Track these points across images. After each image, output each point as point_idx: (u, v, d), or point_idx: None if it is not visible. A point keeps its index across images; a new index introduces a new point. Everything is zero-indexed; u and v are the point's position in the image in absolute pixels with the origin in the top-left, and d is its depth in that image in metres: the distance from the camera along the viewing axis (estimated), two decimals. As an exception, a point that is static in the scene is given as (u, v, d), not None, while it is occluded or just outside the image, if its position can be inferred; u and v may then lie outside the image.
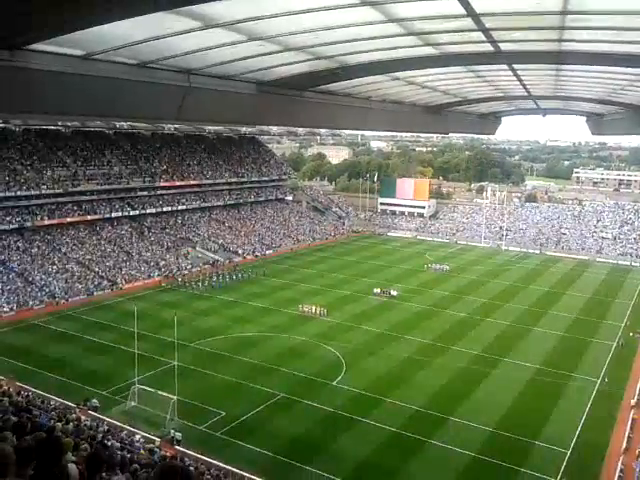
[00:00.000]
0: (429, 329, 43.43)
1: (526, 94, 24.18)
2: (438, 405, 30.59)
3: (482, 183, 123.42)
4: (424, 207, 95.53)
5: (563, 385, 33.80)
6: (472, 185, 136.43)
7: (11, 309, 45.60)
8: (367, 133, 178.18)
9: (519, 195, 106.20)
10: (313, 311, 46.51)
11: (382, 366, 36.01)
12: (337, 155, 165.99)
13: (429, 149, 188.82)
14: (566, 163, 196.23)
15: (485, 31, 12.14)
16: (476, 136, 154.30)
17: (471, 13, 10.69)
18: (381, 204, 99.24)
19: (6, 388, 24.09)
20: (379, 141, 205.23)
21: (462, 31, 12.46)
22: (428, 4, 10.75)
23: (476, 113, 31.08)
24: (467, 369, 35.89)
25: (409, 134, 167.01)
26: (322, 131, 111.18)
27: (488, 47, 13.64)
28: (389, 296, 52.27)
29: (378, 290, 53.44)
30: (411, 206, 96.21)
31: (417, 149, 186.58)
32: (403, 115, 24.33)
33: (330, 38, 11.74)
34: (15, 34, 7.89)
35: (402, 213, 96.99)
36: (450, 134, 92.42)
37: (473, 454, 25.93)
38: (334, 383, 33.48)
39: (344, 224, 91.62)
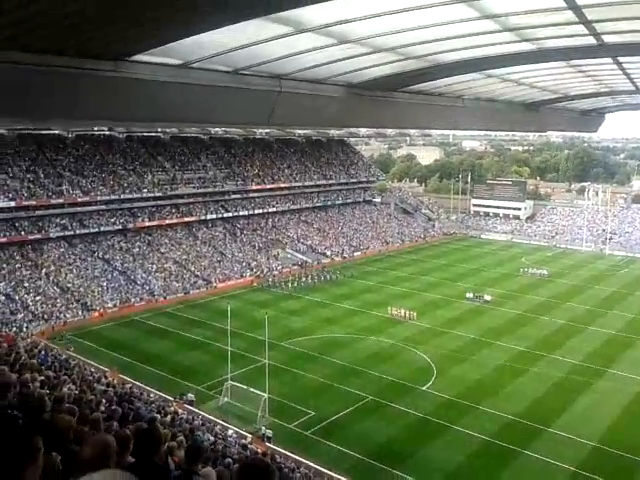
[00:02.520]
0: (525, 336, 41.60)
1: (633, 89, 22.54)
2: (534, 415, 29.23)
3: (583, 183, 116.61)
4: (520, 209, 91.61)
5: (675, 401, 31.24)
6: (572, 185, 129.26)
7: (114, 305, 48.65)
8: (459, 133, 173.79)
9: (625, 196, 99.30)
10: (402, 314, 45.98)
11: (474, 373, 34.95)
12: (427, 156, 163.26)
13: (525, 148, 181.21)
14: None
15: (587, 23, 11.45)
16: (577, 134, 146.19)
17: (572, 5, 10.12)
18: (474, 205, 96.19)
19: (110, 379, 25.73)
20: (472, 140, 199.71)
21: (562, 24, 11.82)
22: (524, -2, 10.31)
23: (577, 110, 29.39)
24: (567, 379, 34.04)
25: (504, 133, 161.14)
26: (412, 132, 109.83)
27: (590, 40, 12.85)
28: (482, 301, 50.64)
29: (471, 294, 51.95)
30: (506, 207, 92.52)
31: (512, 148, 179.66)
32: (497, 113, 23.45)
33: (421, 37, 11.53)
34: (119, 46, 8.38)
35: (496, 215, 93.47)
36: (548, 132, 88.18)
37: (572, 468, 24.56)
38: (424, 388, 32.91)
39: (434, 226, 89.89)
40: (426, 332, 42.56)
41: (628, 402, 31.03)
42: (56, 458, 3.89)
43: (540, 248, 79.18)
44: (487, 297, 51.16)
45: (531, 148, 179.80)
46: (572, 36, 12.66)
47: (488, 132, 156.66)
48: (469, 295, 51.92)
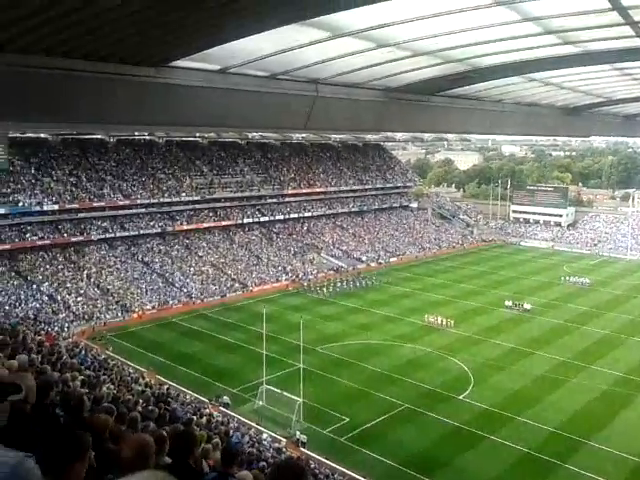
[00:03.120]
0: (566, 346, 40.50)
1: (683, 91, 21.77)
2: (575, 428, 28.39)
3: (628, 190, 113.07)
4: (561, 215, 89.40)
5: None
6: (616, 192, 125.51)
7: (153, 307, 49.53)
8: (498, 137, 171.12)
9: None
10: (439, 322, 45.37)
11: (513, 382, 34.19)
12: (465, 161, 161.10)
13: (567, 153, 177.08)
14: None
15: (633, 24, 11.11)
16: (621, 139, 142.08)
17: (617, 6, 9.83)
18: (513, 212, 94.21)
19: (148, 380, 26.16)
20: (511, 145, 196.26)
21: (607, 26, 11.50)
22: (567, 0, 10.07)
23: (622, 114, 28.57)
24: (610, 391, 32.97)
25: (545, 138, 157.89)
26: (450, 136, 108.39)
27: (637, 42, 12.48)
28: (522, 309, 49.56)
29: (510, 303, 50.89)
30: (547, 214, 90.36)
31: (554, 154, 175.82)
32: (538, 118, 22.97)
33: (461, 41, 11.38)
34: (160, 52, 8.53)
35: (537, 222, 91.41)
36: (591, 137, 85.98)
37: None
38: (461, 397, 32.36)
39: (473, 232, 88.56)
40: (463, 340, 41.87)
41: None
42: (90, 454, 3.95)
43: (582, 256, 77.10)
44: (527, 306, 50.03)
45: (573, 153, 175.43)
46: (617, 38, 12.31)
47: (528, 137, 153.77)
48: (508, 303, 50.88)
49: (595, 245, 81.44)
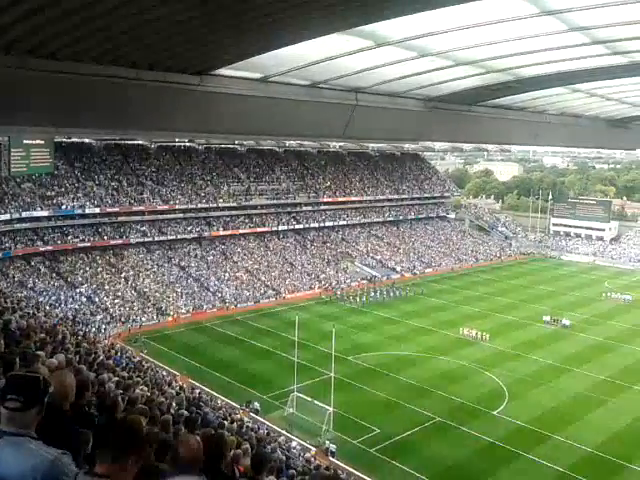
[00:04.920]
0: (606, 364, 39.24)
1: None
2: (615, 449, 27.41)
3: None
4: (604, 229, 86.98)
5: None
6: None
7: (188, 311, 50.14)
8: (539, 149, 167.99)
9: None
10: (474, 335, 44.59)
11: (550, 400, 33.28)
12: (505, 171, 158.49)
13: (611, 166, 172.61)
14: None
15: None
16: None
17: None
18: (554, 225, 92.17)
19: (181, 383, 26.42)
20: (553, 157, 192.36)
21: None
22: (617, 10, 9.79)
23: (671, 126, 27.68)
24: (651, 413, 31.80)
25: (588, 150, 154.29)
26: (490, 147, 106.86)
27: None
28: (561, 325, 48.30)
29: (548, 318, 49.65)
30: (589, 228, 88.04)
31: (597, 166, 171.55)
32: (582, 129, 22.46)
33: (504, 50, 11.22)
34: (205, 61, 8.64)
35: (578, 235, 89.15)
36: (637, 150, 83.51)
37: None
38: (495, 413, 31.67)
39: (511, 245, 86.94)
40: (499, 355, 41.02)
41: None
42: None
43: (625, 272, 74.75)
44: (566, 321, 48.73)
45: (618, 166, 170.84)
46: (669, 48, 11.95)
47: (571, 149, 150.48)
48: (546, 318, 49.66)
49: (639, 261, 78.88)
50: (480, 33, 10.21)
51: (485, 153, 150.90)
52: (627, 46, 12.27)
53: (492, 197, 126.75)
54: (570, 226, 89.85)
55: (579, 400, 33.42)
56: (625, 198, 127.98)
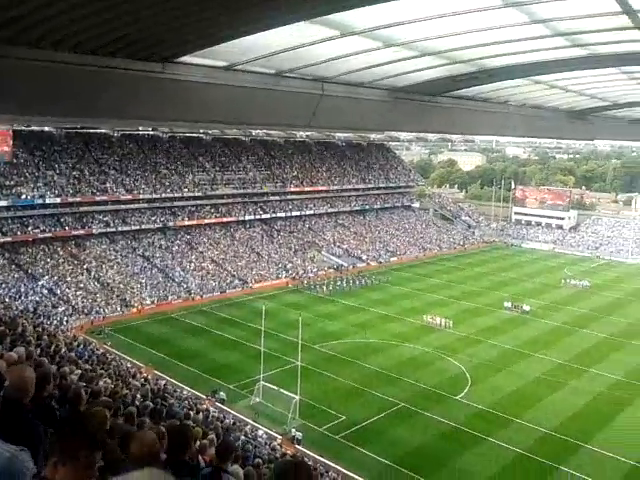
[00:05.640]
0: (564, 349, 40.50)
1: (689, 96, 21.69)
2: (572, 430, 28.42)
3: (631, 194, 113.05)
4: (563, 218, 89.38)
5: None
6: (619, 196, 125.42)
7: (152, 302, 49.51)
8: (502, 139, 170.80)
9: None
10: (438, 322, 45.37)
11: (511, 384, 34.19)
12: (469, 162, 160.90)
13: (571, 156, 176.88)
14: None
15: (643, 28, 11.07)
16: (625, 143, 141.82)
17: (627, 10, 9.77)
18: (515, 214, 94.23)
19: (146, 375, 26.17)
20: (515, 147, 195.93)
21: (616, 30, 11.44)
22: (577, 2, 10.00)
23: (627, 118, 28.50)
24: (608, 394, 32.99)
25: (549, 140, 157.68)
26: (454, 137, 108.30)
27: (646, 46, 12.44)
28: (521, 311, 49.57)
29: (509, 304, 50.90)
30: (549, 217, 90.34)
31: (557, 156, 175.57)
32: (543, 121, 22.92)
33: (469, 41, 11.33)
34: (167, 48, 8.50)
35: (538, 224, 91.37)
36: (595, 141, 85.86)
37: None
38: (458, 397, 32.37)
39: (474, 233, 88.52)
40: (462, 341, 41.88)
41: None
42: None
43: (583, 259, 77.08)
44: (526, 307, 50.04)
45: (577, 156, 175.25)
46: (626, 42, 12.25)
47: (532, 139, 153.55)
48: (507, 305, 50.89)
49: (597, 248, 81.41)
50: (445, 24, 10.29)
51: (449, 143, 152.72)
52: (586, 39, 12.54)
53: (456, 187, 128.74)
54: (531, 215, 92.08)
55: (538, 383, 34.42)
56: (584, 187, 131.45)
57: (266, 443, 23.36)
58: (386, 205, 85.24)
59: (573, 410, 30.93)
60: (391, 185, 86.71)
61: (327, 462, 24.19)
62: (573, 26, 11.40)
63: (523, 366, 37.16)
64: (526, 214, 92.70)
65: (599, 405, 31.66)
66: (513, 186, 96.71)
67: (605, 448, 26.74)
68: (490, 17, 10.04)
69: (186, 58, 9.28)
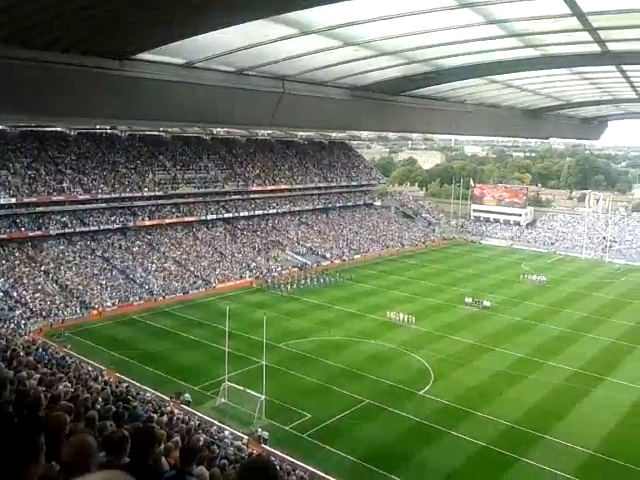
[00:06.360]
0: (523, 343, 41.53)
1: (636, 97, 22.52)
2: (532, 422, 29.17)
3: (584, 191, 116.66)
4: (520, 215, 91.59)
5: (673, 410, 31.16)
6: (573, 193, 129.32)
7: (113, 304, 48.59)
8: (461, 138, 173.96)
9: (625, 204, 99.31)
10: (401, 318, 45.91)
11: (472, 378, 34.87)
12: (429, 160, 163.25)
13: (527, 154, 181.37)
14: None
15: (592, 31, 11.42)
16: (579, 141, 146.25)
17: (577, 12, 10.10)
18: (474, 211, 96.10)
19: (107, 378, 25.67)
20: (474, 146, 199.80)
21: (566, 31, 11.80)
22: (531, 4, 10.27)
23: (580, 117, 29.39)
24: (564, 386, 34.00)
25: (506, 139, 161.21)
26: (414, 136, 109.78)
27: (595, 47, 12.83)
28: (481, 306, 50.60)
29: (470, 300, 51.88)
30: (506, 213, 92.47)
31: (514, 154, 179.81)
32: (500, 119, 23.43)
33: (426, 41, 11.49)
34: (124, 45, 8.37)
35: (497, 221, 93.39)
36: (550, 139, 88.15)
37: (569, 476, 24.48)
38: (421, 393, 32.84)
39: (434, 231, 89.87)
40: (424, 336, 42.49)
41: (625, 411, 30.98)
42: (55, 467, 3.84)
43: (540, 255, 79.17)
44: (486, 303, 51.11)
45: (533, 155, 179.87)
46: (576, 43, 12.63)
47: (490, 138, 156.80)
48: (468, 300, 51.85)
49: (552, 244, 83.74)
50: (402, 23, 10.39)
51: (409, 142, 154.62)
52: (539, 40, 12.87)
53: (416, 185, 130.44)
54: (489, 212, 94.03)
55: (499, 377, 35.21)
56: (540, 185, 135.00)
57: (232, 444, 23.22)
58: (348, 203, 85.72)
59: (533, 402, 31.74)
60: (353, 183, 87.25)
61: (294, 460, 24.19)
62: (526, 27, 11.71)
63: (484, 360, 37.94)
64: (484, 211, 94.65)
65: (557, 397, 32.58)
66: (472, 184, 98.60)
67: (564, 439, 27.56)
68: (446, 17, 10.21)
69: (144, 55, 9.15)
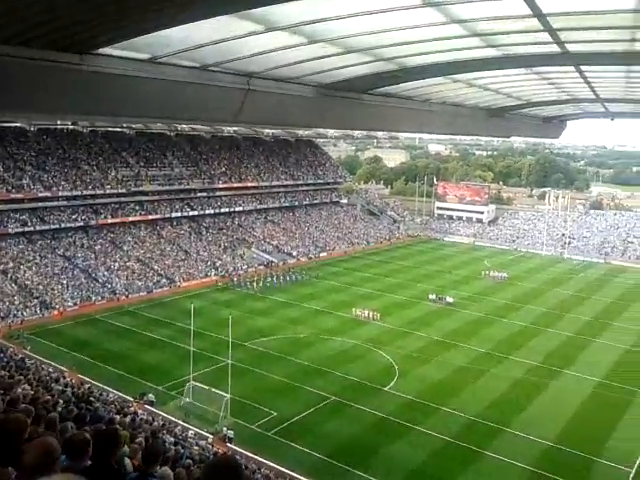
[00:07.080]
0: (486, 338, 42.36)
1: (594, 97, 23.14)
2: (494, 415, 29.79)
3: (544, 189, 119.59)
4: (483, 212, 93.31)
5: (629, 401, 32.25)
6: (534, 191, 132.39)
7: (75, 304, 47.54)
8: (425, 136, 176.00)
9: (583, 202, 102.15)
10: (366, 315, 46.24)
11: (436, 374, 35.39)
12: (393, 158, 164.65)
13: (489, 153, 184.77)
14: (635, 169, 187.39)
15: (552, 31, 11.68)
16: (539, 140, 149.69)
17: (537, 13, 10.31)
18: (438, 208, 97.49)
19: (69, 379, 25.10)
20: (437, 144, 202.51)
21: (527, 32, 12.04)
22: (492, 4, 10.44)
23: (540, 116, 30.05)
24: (525, 380, 34.81)
25: (469, 137, 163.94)
26: (379, 134, 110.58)
27: (554, 48, 13.13)
28: (445, 302, 51.35)
29: (434, 296, 52.61)
30: (469, 211, 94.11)
31: (477, 153, 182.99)
32: (463, 118, 23.77)
33: (391, 40, 11.57)
34: (85, 39, 8.17)
35: (460, 218, 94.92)
36: (512, 138, 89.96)
37: (530, 467, 25.12)
38: (386, 389, 33.16)
39: (399, 228, 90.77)
40: (389, 333, 42.90)
41: (583, 402, 31.93)
42: (12, 473, 3.74)
43: (502, 251, 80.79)
44: (449, 299, 51.90)
45: (495, 153, 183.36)
46: (536, 43, 12.90)
47: (454, 136, 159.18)
48: (432, 297, 52.57)
49: (514, 241, 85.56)
50: (367, 21, 10.43)
51: (375, 140, 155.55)
52: (500, 40, 13.09)
53: (382, 183, 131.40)
54: (452, 209, 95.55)
55: (462, 372, 35.82)
56: (501, 183, 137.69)
57: (197, 443, 23.01)
58: (315, 201, 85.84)
59: (495, 396, 32.40)
60: (319, 181, 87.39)
61: (259, 459, 24.13)
62: (488, 27, 11.89)
63: (448, 356, 38.53)
64: (448, 209, 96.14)
65: (518, 390, 33.35)
66: (435, 182, 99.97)
67: (524, 431, 28.25)
68: (409, 16, 10.29)
69: (106, 50, 8.96)
